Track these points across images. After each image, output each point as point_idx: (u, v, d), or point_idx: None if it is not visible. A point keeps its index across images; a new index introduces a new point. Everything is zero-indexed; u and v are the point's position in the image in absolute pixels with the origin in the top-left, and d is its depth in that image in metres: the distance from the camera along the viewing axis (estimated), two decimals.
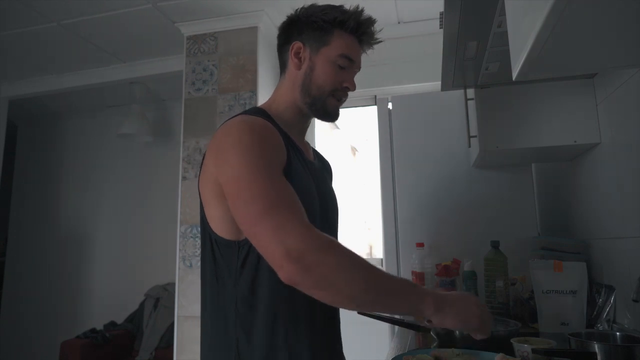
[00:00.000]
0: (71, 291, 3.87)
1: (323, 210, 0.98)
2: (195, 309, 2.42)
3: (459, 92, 1.71)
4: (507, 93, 1.55)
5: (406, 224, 1.93)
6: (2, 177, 3.41)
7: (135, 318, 3.52)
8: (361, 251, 4.19)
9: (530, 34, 0.68)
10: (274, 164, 0.85)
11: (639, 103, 1.18)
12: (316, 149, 1.21)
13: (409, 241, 1.88)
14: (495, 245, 1.60)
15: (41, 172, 4.17)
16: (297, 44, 1.01)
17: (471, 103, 1.65)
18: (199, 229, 0.98)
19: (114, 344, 3.29)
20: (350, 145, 5.05)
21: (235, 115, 0.95)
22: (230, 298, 0.90)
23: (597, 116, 1.45)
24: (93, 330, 3.29)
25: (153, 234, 3.72)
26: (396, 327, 1.48)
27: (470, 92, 1.64)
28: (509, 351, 0.93)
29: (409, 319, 0.97)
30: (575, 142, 1.46)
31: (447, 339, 1.09)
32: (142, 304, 3.54)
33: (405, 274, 1.85)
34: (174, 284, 2.56)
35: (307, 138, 1.15)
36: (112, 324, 3.52)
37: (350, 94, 1.05)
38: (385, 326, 2.02)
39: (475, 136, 1.61)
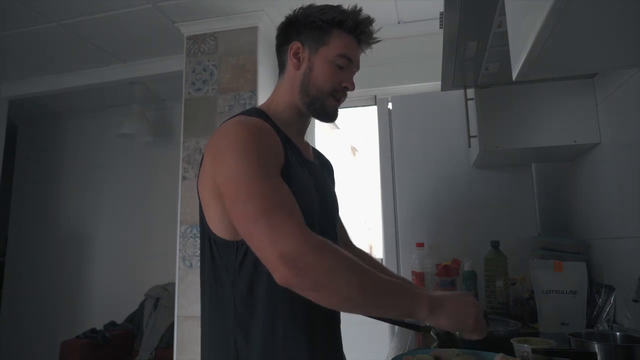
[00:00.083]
0: (71, 291, 3.87)
1: (322, 210, 0.98)
2: (195, 309, 2.42)
3: (459, 92, 1.71)
4: (507, 93, 1.55)
5: (406, 224, 1.93)
6: (2, 177, 3.41)
7: (135, 318, 3.52)
8: None
9: (530, 34, 0.68)
10: (271, 165, 0.85)
11: (639, 103, 1.18)
12: (317, 148, 1.21)
13: (409, 241, 1.88)
14: (495, 245, 1.60)
15: (41, 172, 4.17)
16: (295, 44, 1.01)
17: (471, 103, 1.65)
18: (199, 228, 0.99)
19: (114, 344, 3.29)
20: (350, 145, 5.05)
21: (234, 116, 0.95)
22: (229, 298, 0.90)
23: (597, 116, 1.45)
24: (93, 330, 3.29)
25: (153, 234, 3.72)
26: (396, 327, 1.48)
27: (470, 92, 1.64)
28: (509, 351, 0.93)
29: (409, 319, 0.97)
30: (575, 142, 1.46)
31: (447, 339, 1.09)
32: (142, 304, 3.54)
33: (405, 274, 1.85)
34: (174, 284, 2.56)
35: (307, 138, 1.15)
36: (112, 324, 3.52)
37: (350, 94, 1.05)
38: (385, 326, 2.01)
39: (475, 136, 1.61)
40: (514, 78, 0.82)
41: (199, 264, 0.97)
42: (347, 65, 1.01)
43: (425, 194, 1.92)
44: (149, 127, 3.60)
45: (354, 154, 5.17)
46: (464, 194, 1.88)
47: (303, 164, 0.99)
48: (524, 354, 0.92)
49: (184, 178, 2.59)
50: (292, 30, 1.03)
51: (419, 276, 1.74)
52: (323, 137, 3.03)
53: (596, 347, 0.87)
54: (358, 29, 1.01)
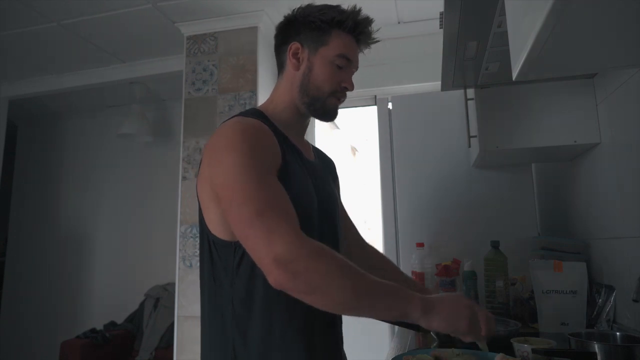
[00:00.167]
0: (71, 291, 3.87)
1: (322, 210, 0.98)
2: (195, 309, 2.42)
3: (459, 92, 1.71)
4: (507, 93, 1.55)
5: (406, 224, 1.93)
6: (2, 177, 3.41)
7: (135, 318, 3.52)
8: None
9: (530, 34, 0.68)
10: (267, 167, 0.85)
11: (639, 103, 1.18)
12: (318, 147, 1.21)
13: (409, 241, 1.88)
14: (495, 245, 1.60)
15: (41, 172, 4.17)
16: (295, 45, 1.01)
17: (471, 103, 1.65)
18: (199, 229, 0.99)
19: (114, 344, 3.29)
20: (350, 145, 5.04)
21: (232, 117, 0.96)
22: (227, 298, 0.90)
23: (597, 116, 1.45)
24: (93, 330, 3.29)
25: (153, 234, 3.72)
26: (396, 327, 1.48)
27: (470, 92, 1.64)
28: (509, 351, 0.93)
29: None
30: (575, 142, 1.46)
31: (447, 339, 1.09)
32: (142, 304, 3.54)
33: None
34: (174, 284, 2.56)
35: (307, 138, 1.15)
36: (112, 324, 3.52)
37: (350, 94, 1.05)
38: (385, 326, 2.01)
39: (475, 136, 1.61)
40: (514, 78, 0.82)
41: (199, 264, 0.98)
42: (347, 66, 1.01)
43: (425, 194, 1.92)
44: (149, 127, 3.60)
45: (354, 154, 5.17)
46: (464, 194, 1.87)
47: (302, 164, 0.98)
48: (524, 354, 0.92)
49: (184, 178, 2.59)
50: (291, 30, 1.03)
51: (419, 276, 1.74)
52: (323, 137, 3.03)
53: (596, 347, 0.87)
54: (357, 29, 1.01)
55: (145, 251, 3.73)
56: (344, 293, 0.75)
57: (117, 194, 3.93)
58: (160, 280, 3.56)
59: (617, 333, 0.99)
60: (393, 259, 1.98)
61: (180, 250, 2.53)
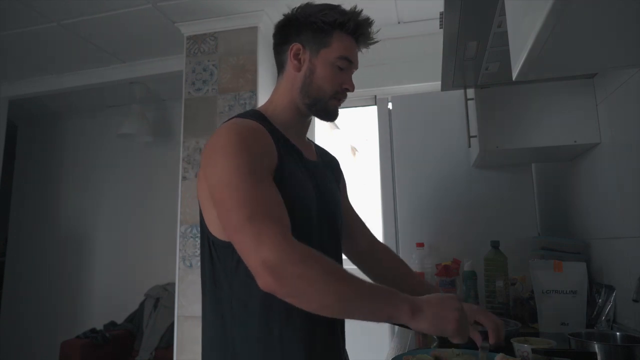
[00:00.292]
0: (71, 291, 3.87)
1: (322, 210, 0.98)
2: (195, 309, 2.42)
3: (459, 92, 1.71)
4: (507, 93, 1.55)
5: (406, 224, 1.93)
6: (2, 177, 3.41)
7: (135, 318, 3.52)
8: None
9: (530, 34, 0.68)
10: (260, 169, 0.85)
11: (639, 103, 1.18)
12: (321, 146, 1.20)
13: (409, 241, 1.88)
14: (495, 245, 1.60)
15: (41, 172, 4.17)
16: (296, 46, 1.01)
17: (471, 103, 1.65)
18: (199, 229, 0.99)
19: (114, 344, 3.29)
20: (350, 145, 5.04)
21: (231, 118, 0.96)
22: (227, 299, 0.91)
23: (597, 116, 1.45)
24: (93, 330, 3.29)
25: (153, 234, 3.72)
26: (396, 327, 1.48)
27: (470, 92, 1.64)
28: (509, 351, 0.93)
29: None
30: (575, 142, 1.46)
31: (447, 339, 1.08)
32: (142, 304, 3.54)
33: None
34: (174, 284, 2.56)
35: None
36: (112, 324, 3.52)
37: (350, 94, 1.05)
38: (385, 326, 2.02)
39: (475, 136, 1.61)
40: (514, 78, 0.82)
41: (199, 264, 0.98)
42: (347, 67, 1.01)
43: (425, 194, 1.92)
44: (149, 127, 3.60)
45: (354, 154, 5.17)
46: (464, 194, 1.87)
47: (302, 165, 0.99)
48: (524, 354, 0.92)
49: (184, 178, 2.59)
50: (291, 30, 1.02)
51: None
52: (323, 137, 3.03)
53: (596, 347, 0.87)
54: (359, 30, 1.01)
55: (145, 251, 3.73)
56: (330, 297, 0.76)
57: (117, 194, 3.93)
58: (160, 280, 3.56)
59: (617, 333, 0.99)
60: None
61: (180, 250, 2.53)
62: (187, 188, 2.57)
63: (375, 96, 2.70)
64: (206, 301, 0.96)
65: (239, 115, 0.98)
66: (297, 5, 1.04)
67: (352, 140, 4.97)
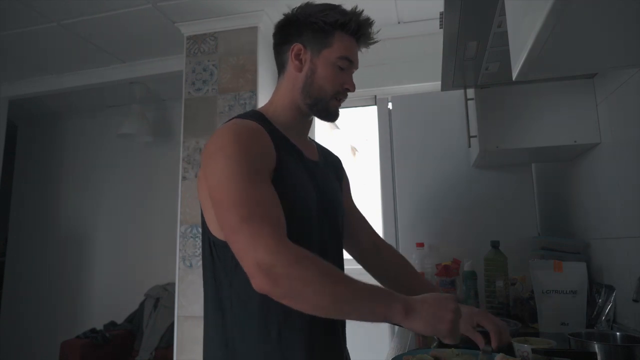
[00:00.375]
0: (71, 291, 3.87)
1: (323, 210, 0.98)
2: (195, 309, 2.42)
3: (459, 92, 1.71)
4: (507, 93, 1.55)
5: (406, 224, 1.93)
6: (2, 177, 3.41)
7: (135, 318, 3.52)
8: None
9: (530, 34, 0.68)
10: (257, 170, 0.86)
11: (639, 103, 1.18)
12: (323, 145, 1.20)
13: (409, 241, 1.88)
14: (495, 245, 1.60)
15: (41, 172, 4.17)
16: (297, 46, 1.00)
17: (471, 103, 1.65)
18: (200, 229, 0.99)
19: (114, 344, 3.29)
20: (350, 145, 5.04)
21: (231, 119, 0.97)
22: (227, 298, 0.91)
23: (597, 116, 1.45)
24: (93, 330, 3.29)
25: (153, 234, 3.72)
26: (396, 327, 1.48)
27: (470, 92, 1.64)
28: (509, 351, 0.93)
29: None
30: (575, 142, 1.46)
31: None
32: (142, 304, 3.54)
33: None
34: (174, 284, 2.56)
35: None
36: (112, 324, 3.52)
37: (350, 94, 1.05)
38: (385, 326, 2.02)
39: (475, 136, 1.61)
40: (514, 78, 0.82)
41: (199, 264, 0.99)
42: (348, 67, 1.01)
43: (425, 194, 1.92)
44: (149, 127, 3.60)
45: (354, 154, 5.17)
46: (464, 194, 1.87)
47: (303, 165, 0.99)
48: (524, 354, 0.92)
49: (184, 178, 2.59)
50: (292, 30, 1.02)
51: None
52: (323, 137, 3.03)
53: (596, 347, 0.87)
54: (360, 31, 1.01)
55: (145, 251, 3.73)
56: (326, 298, 0.76)
57: (117, 194, 3.93)
58: (160, 280, 3.56)
59: (617, 333, 0.99)
60: None
61: (180, 250, 2.53)
62: (187, 188, 2.57)
63: (375, 96, 2.70)
64: (208, 300, 0.96)
65: (239, 116, 0.98)
66: (297, 5, 1.04)
67: (352, 140, 4.97)
